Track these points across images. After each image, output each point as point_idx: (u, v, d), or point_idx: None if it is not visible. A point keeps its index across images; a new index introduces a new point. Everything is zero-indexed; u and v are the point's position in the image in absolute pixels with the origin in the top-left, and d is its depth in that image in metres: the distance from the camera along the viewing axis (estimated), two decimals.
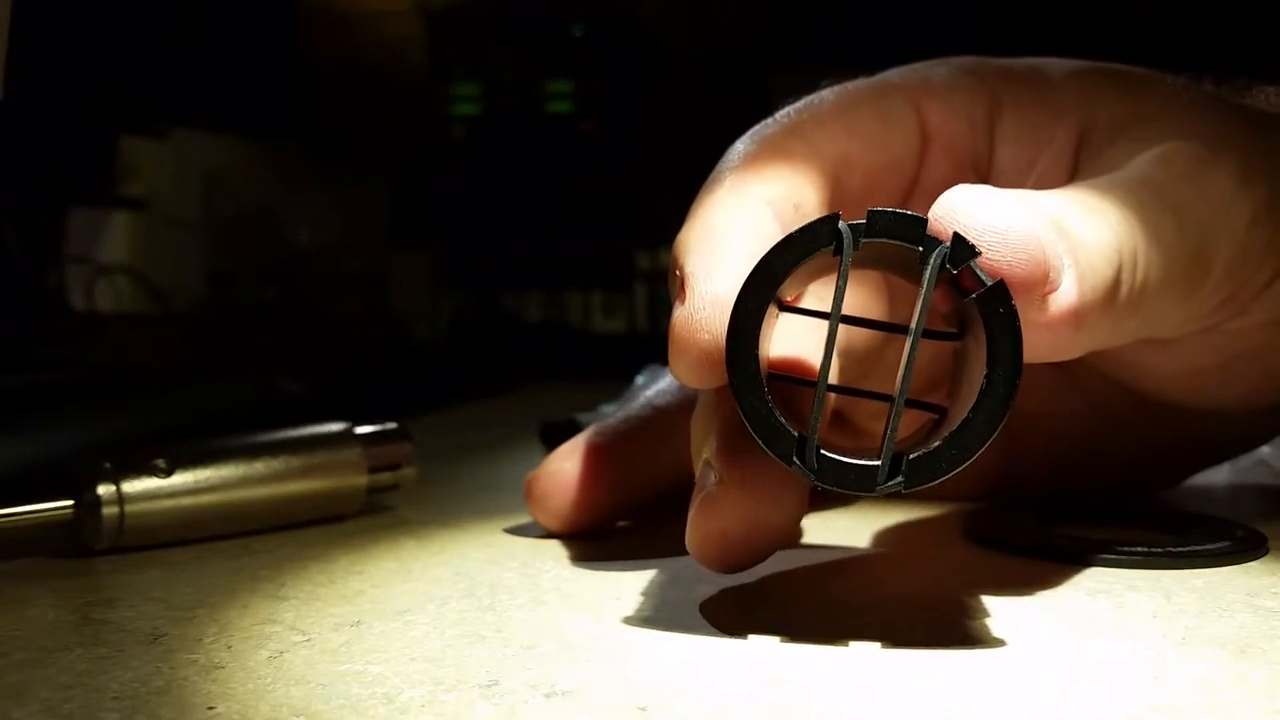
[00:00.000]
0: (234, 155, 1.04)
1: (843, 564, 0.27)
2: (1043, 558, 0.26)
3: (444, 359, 0.89)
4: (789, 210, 0.24)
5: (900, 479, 0.19)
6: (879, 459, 0.19)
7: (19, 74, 0.31)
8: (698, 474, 0.22)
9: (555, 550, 0.28)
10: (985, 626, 0.21)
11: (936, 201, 0.20)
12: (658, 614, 0.22)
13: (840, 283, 0.19)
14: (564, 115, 1.16)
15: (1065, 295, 0.20)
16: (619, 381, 0.53)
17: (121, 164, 0.88)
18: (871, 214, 0.19)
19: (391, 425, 0.33)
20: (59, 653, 0.20)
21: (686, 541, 0.22)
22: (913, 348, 0.19)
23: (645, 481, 0.29)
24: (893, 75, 0.28)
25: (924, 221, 0.19)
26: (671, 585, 0.24)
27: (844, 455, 0.19)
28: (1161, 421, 0.30)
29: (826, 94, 0.27)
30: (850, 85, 0.27)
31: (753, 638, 0.20)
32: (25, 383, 0.43)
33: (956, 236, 0.19)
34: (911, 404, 0.20)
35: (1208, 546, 0.26)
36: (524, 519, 0.31)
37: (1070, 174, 0.27)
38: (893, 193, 0.27)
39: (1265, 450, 0.39)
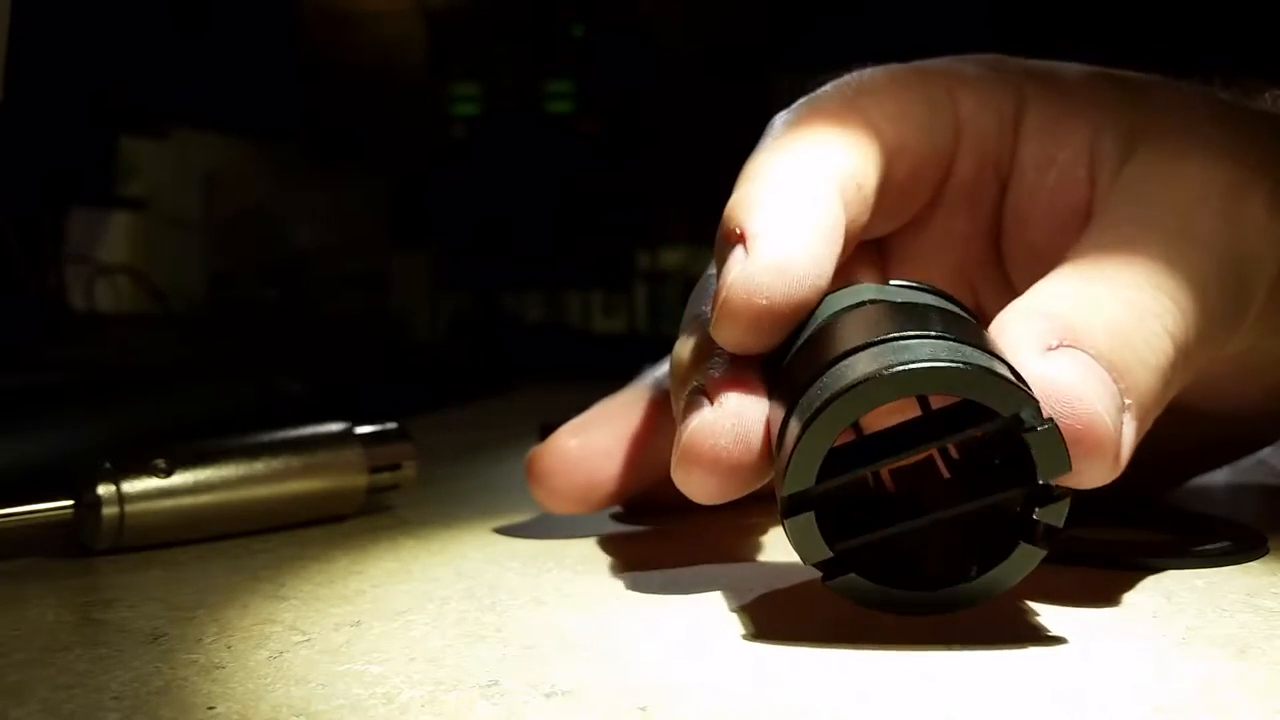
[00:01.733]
0: (234, 155, 1.04)
1: None
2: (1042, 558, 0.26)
3: (444, 359, 0.89)
4: (853, 188, 0.24)
5: (835, 581, 0.20)
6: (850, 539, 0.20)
7: (19, 74, 0.31)
8: (683, 401, 0.22)
9: (555, 550, 0.28)
10: (985, 626, 0.21)
11: None
12: (658, 614, 0.22)
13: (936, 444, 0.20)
14: (564, 115, 1.16)
15: (1127, 439, 0.20)
16: (619, 381, 0.53)
17: (121, 164, 0.88)
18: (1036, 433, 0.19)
19: (391, 425, 0.33)
20: (59, 653, 0.20)
21: (673, 466, 0.21)
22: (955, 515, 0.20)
23: (656, 460, 0.28)
24: (927, 64, 0.27)
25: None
26: (672, 585, 0.24)
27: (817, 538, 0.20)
28: (1171, 424, 0.30)
29: (877, 72, 0.26)
30: (894, 67, 0.27)
31: (753, 637, 0.20)
32: (25, 383, 0.43)
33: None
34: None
35: (1208, 546, 0.26)
36: (525, 519, 0.31)
37: (1089, 173, 0.26)
38: (929, 185, 0.27)
39: (1264, 449, 0.39)
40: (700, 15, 1.17)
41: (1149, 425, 0.21)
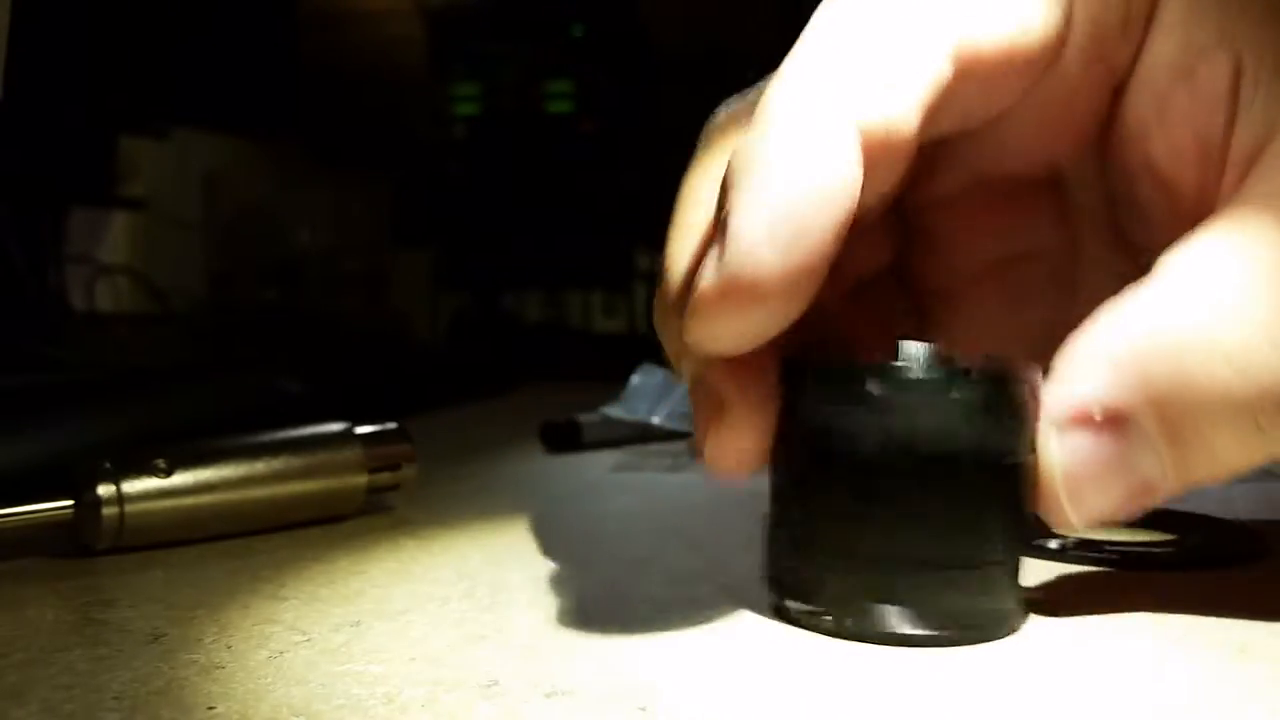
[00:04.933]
0: (234, 155, 1.04)
1: None
2: (1043, 558, 0.26)
3: (444, 359, 0.89)
4: (878, 144, 0.19)
5: None
6: None
7: (19, 74, 0.31)
8: (693, 384, 0.22)
9: (555, 550, 0.28)
10: None
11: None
12: (658, 614, 0.22)
13: None
14: (564, 115, 1.16)
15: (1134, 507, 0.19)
16: (619, 381, 0.53)
17: (121, 164, 0.88)
18: None
19: (391, 425, 0.33)
20: (59, 653, 0.20)
21: (705, 454, 0.21)
22: None
23: None
24: None
25: None
26: (672, 585, 0.24)
27: None
28: None
29: None
30: None
31: (753, 638, 0.20)
32: (25, 383, 0.43)
33: None
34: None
35: (1208, 546, 0.26)
36: (524, 519, 0.31)
37: (1230, 100, 0.21)
38: (1013, 91, 0.22)
39: None
40: (699, 16, 1.17)
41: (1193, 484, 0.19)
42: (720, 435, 0.21)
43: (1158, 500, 0.19)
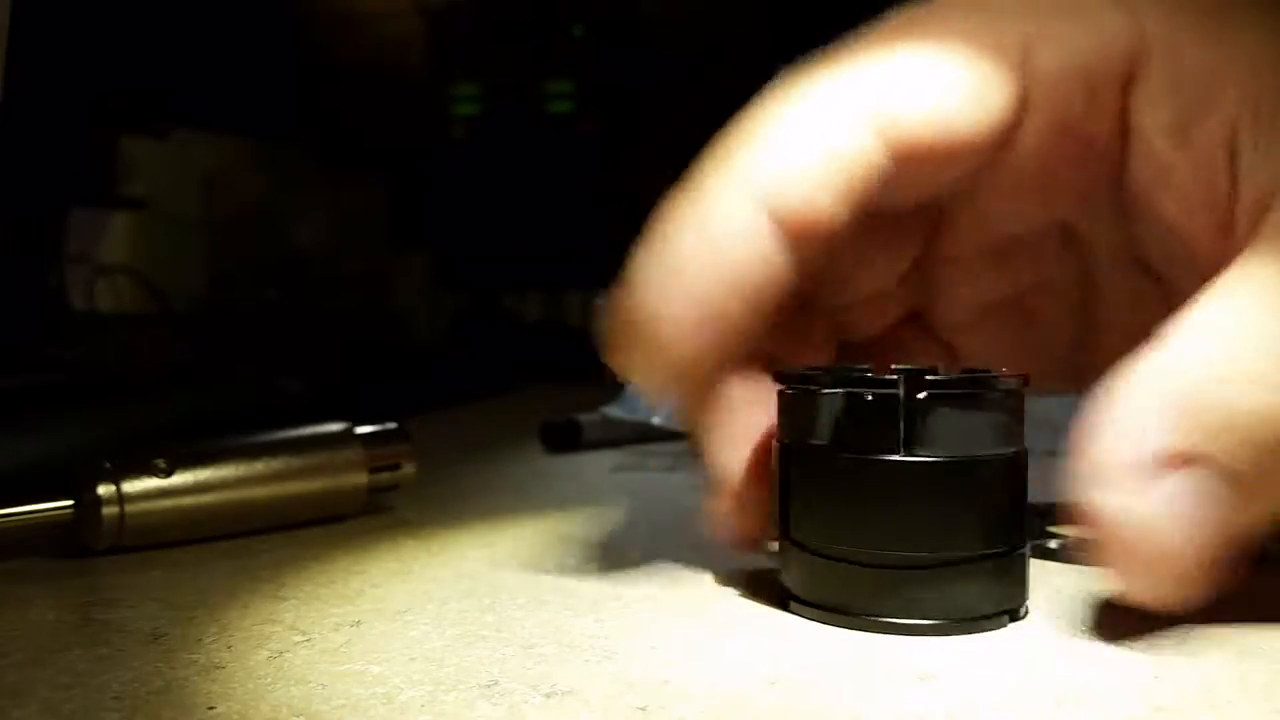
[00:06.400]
0: (234, 155, 1.03)
1: None
2: (1043, 558, 0.26)
3: (444, 359, 0.89)
4: (794, 244, 0.21)
5: None
6: None
7: (19, 74, 0.31)
8: (709, 464, 0.24)
9: (555, 550, 0.28)
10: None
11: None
12: (658, 614, 0.22)
13: None
14: (564, 115, 1.16)
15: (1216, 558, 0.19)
16: (619, 381, 0.53)
17: (121, 164, 0.88)
18: None
19: (391, 425, 0.33)
20: (59, 653, 0.20)
21: (711, 531, 0.24)
22: None
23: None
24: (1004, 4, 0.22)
25: None
26: (672, 585, 0.24)
27: None
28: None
29: (915, 23, 0.22)
30: (946, 14, 0.22)
31: (752, 637, 0.20)
32: (25, 383, 0.43)
33: None
34: None
35: None
36: (524, 519, 0.31)
37: (1229, 153, 0.21)
38: (966, 168, 0.22)
39: None
40: (700, 15, 1.17)
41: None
42: (723, 515, 0.24)
43: (1233, 544, 0.19)
